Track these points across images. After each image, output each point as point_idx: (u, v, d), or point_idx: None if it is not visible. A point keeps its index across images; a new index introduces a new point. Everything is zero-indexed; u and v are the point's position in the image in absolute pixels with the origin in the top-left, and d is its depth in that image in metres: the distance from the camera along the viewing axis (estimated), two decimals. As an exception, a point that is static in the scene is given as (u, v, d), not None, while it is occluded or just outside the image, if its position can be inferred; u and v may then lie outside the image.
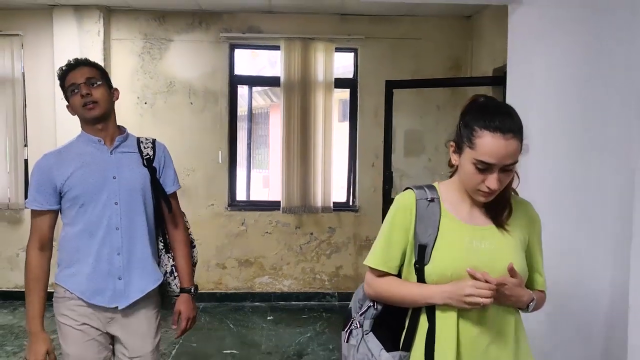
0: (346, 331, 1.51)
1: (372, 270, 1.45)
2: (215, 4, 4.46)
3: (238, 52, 4.94)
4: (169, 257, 2.03)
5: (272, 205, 4.94)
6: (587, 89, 1.87)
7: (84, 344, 1.86)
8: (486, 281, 1.27)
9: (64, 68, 1.87)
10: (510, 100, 2.30)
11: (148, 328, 1.93)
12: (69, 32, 4.43)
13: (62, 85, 1.86)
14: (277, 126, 5.14)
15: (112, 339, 1.93)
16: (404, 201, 1.43)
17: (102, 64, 4.41)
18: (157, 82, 4.71)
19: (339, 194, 5.19)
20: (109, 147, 1.88)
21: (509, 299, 1.33)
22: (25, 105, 4.56)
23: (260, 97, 8.74)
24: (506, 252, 1.36)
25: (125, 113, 4.49)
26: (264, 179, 8.19)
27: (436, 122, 4.79)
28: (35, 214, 1.86)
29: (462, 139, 1.34)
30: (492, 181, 1.29)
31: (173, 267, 2.02)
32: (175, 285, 2.01)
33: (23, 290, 1.87)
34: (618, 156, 1.76)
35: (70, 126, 4.68)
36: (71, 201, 1.83)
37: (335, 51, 4.77)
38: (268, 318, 4.45)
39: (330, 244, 4.92)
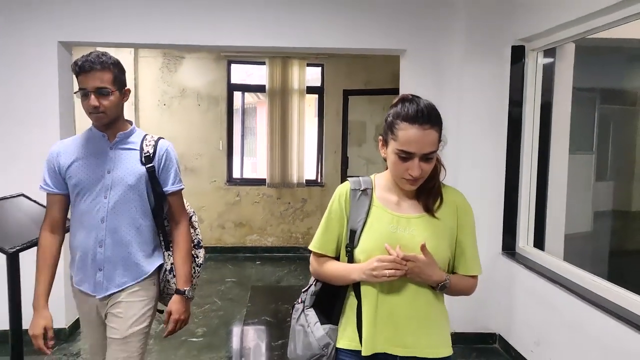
0: (292, 305, 1.62)
1: (315, 253, 1.54)
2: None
3: (234, 66, 6.23)
4: (168, 254, 1.94)
5: (260, 182, 6.25)
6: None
7: (87, 325, 1.94)
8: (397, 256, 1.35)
9: (77, 66, 1.72)
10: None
11: (129, 315, 1.85)
12: (108, 51, 5.80)
13: (76, 78, 1.75)
14: (263, 120, 6.28)
15: None
16: (341, 191, 1.52)
17: (132, 75, 5.89)
18: (173, 89, 6.01)
19: (310, 173, 6.29)
20: (110, 142, 1.85)
21: (418, 275, 1.39)
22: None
23: (249, 95, 10.11)
24: (428, 238, 1.42)
25: (149, 113, 5.95)
26: (252, 165, 9.62)
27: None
28: (47, 197, 1.88)
29: (386, 133, 1.41)
30: (414, 169, 1.36)
31: (173, 266, 1.93)
32: (173, 283, 1.93)
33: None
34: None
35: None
36: (71, 189, 1.84)
37: (307, 66, 6.05)
38: (256, 263, 5.91)
39: (303, 211, 6.29)
